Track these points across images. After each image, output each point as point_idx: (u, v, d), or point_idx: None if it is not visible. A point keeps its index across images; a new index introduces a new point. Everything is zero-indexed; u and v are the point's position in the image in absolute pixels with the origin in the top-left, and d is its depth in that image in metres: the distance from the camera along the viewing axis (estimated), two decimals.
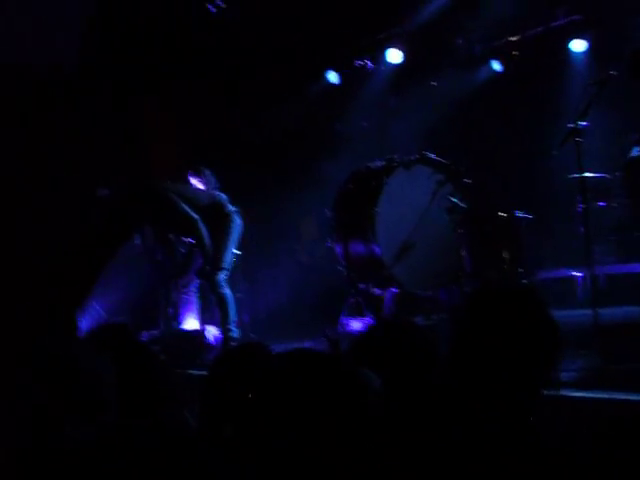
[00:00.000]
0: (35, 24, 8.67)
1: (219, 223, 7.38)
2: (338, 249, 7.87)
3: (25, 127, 9.25)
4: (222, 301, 7.34)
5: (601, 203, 8.57)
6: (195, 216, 7.19)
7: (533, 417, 2.16)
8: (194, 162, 8.44)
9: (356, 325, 7.07)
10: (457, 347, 2.25)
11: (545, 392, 2.19)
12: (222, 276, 7.36)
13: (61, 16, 8.77)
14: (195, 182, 8.05)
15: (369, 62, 10.50)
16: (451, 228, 7.17)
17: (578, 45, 9.36)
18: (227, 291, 7.39)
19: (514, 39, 9.87)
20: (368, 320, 7.09)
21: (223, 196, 7.68)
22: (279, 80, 10.64)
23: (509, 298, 2.25)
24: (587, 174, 8.12)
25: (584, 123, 6.19)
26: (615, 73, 5.86)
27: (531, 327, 2.18)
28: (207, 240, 7.22)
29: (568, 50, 9.47)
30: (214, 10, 9.37)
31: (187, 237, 7.75)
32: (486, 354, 2.16)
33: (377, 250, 7.49)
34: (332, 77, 10.83)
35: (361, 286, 7.78)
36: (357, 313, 7.32)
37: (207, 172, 8.09)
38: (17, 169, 9.29)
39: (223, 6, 9.36)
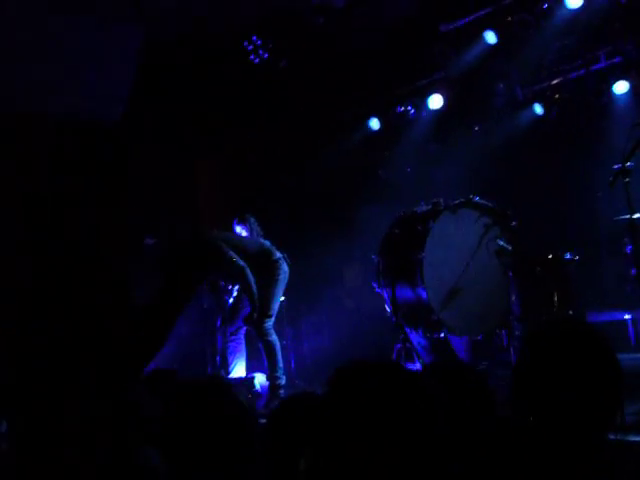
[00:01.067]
0: (83, 79, 8.89)
1: (266, 270, 7.41)
2: (385, 294, 7.85)
3: (74, 177, 9.43)
4: (269, 348, 7.35)
5: None
6: (242, 263, 7.23)
7: (600, 461, 2.12)
8: (239, 210, 8.53)
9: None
10: (521, 389, 2.22)
11: (611, 436, 2.15)
12: (269, 323, 7.38)
13: (108, 72, 8.99)
14: (240, 230, 8.12)
15: (411, 108, 10.58)
16: (499, 271, 7.13)
17: (621, 87, 9.35)
18: (274, 338, 7.40)
19: (556, 82, 9.91)
20: (418, 366, 7.03)
21: (269, 243, 7.73)
22: (323, 127, 10.78)
23: (573, 337, 2.21)
24: (636, 215, 8.11)
25: (631, 164, 6.18)
26: None
27: (595, 368, 2.14)
28: (254, 287, 7.25)
29: (611, 92, 9.47)
30: (257, 61, 9.53)
31: (235, 284, 7.80)
32: (551, 396, 2.13)
33: (425, 295, 7.46)
34: (374, 124, 10.94)
35: (410, 331, 7.74)
36: (407, 358, 7.27)
37: (252, 220, 8.16)
38: (64, 220, 9.46)
39: (266, 57, 9.52)
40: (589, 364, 2.14)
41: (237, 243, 7.53)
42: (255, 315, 7.28)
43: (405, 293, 7.64)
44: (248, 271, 7.22)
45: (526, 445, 2.16)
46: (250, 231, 8.11)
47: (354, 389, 1.85)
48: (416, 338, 7.75)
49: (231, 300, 7.96)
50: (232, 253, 7.25)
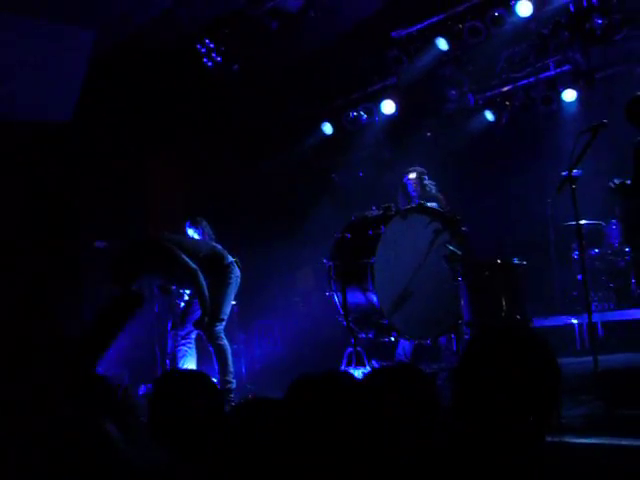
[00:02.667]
0: (34, 80, 8.77)
1: (218, 274, 7.36)
2: (336, 298, 7.87)
3: (25, 181, 9.32)
4: (220, 352, 7.28)
5: (595, 250, 8.65)
6: (194, 267, 7.17)
7: (536, 463, 2.16)
8: (192, 213, 8.49)
9: (357, 374, 7.03)
10: (461, 393, 2.25)
11: (549, 438, 2.19)
12: (220, 327, 7.32)
13: (59, 74, 8.88)
14: (192, 233, 8.07)
15: (363, 113, 10.64)
16: (449, 276, 7.19)
17: (569, 95, 9.53)
18: (225, 342, 7.33)
19: (506, 89, 10.05)
20: (369, 369, 7.05)
21: (221, 247, 7.69)
22: (277, 131, 10.79)
23: (513, 342, 2.25)
24: (582, 221, 8.24)
25: (578, 171, 6.29)
26: (607, 122, 5.97)
27: (533, 371, 2.18)
28: (206, 291, 7.19)
29: (560, 100, 9.64)
30: (211, 64, 9.50)
31: (187, 288, 7.74)
32: (489, 399, 2.16)
33: (375, 299, 7.49)
34: (327, 128, 10.98)
35: (361, 335, 7.77)
36: (357, 362, 7.28)
37: (204, 222, 8.11)
38: (16, 222, 9.35)
39: (219, 61, 9.49)
40: (527, 368, 2.17)
41: (189, 246, 7.47)
42: (206, 319, 7.22)
43: (356, 297, 7.66)
44: (200, 275, 7.16)
45: (465, 447, 2.19)
46: (202, 234, 8.06)
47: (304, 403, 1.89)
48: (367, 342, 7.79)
49: (182, 304, 7.90)
50: (184, 256, 7.19)
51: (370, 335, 7.79)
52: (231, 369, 7.36)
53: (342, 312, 7.64)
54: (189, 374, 3.49)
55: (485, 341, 2.33)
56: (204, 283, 7.12)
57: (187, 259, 7.11)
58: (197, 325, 7.35)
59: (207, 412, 2.81)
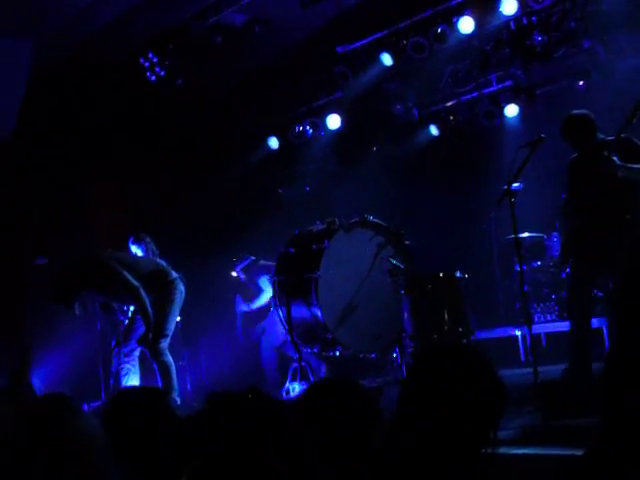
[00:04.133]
0: None
1: (162, 290, 7.29)
2: (281, 313, 7.85)
3: None
4: (164, 369, 7.20)
5: (537, 263, 8.77)
6: (136, 284, 7.10)
7: (475, 475, 2.17)
8: (136, 229, 8.41)
9: (298, 389, 7.02)
10: (403, 407, 2.26)
11: (485, 451, 2.20)
12: (164, 344, 7.24)
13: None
14: (136, 249, 7.99)
15: (309, 128, 10.67)
16: (392, 290, 7.22)
17: (511, 110, 9.67)
18: (169, 359, 7.26)
19: (450, 104, 10.17)
20: (307, 385, 7.03)
21: (165, 263, 7.63)
22: (222, 146, 10.75)
23: (455, 358, 2.26)
24: (523, 234, 8.36)
25: (518, 185, 6.37)
26: (545, 136, 6.06)
27: (476, 387, 2.19)
28: (149, 307, 7.12)
29: (502, 115, 9.77)
30: (154, 78, 9.43)
31: (129, 305, 7.65)
32: (431, 413, 2.17)
33: (319, 313, 7.50)
34: (273, 143, 10.98)
35: (306, 349, 7.75)
36: (302, 377, 7.26)
37: (147, 239, 8.04)
38: None
39: (163, 75, 9.43)
40: (469, 384, 2.18)
41: (131, 263, 7.41)
42: (150, 336, 7.15)
43: (300, 312, 7.65)
44: (142, 291, 7.10)
45: (406, 460, 2.19)
46: (146, 250, 7.99)
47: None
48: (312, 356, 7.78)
49: (126, 321, 7.81)
50: (125, 273, 7.12)
51: (315, 349, 7.79)
52: (175, 386, 7.30)
53: (287, 327, 7.62)
54: (145, 391, 3.41)
55: (430, 357, 2.34)
56: (146, 299, 7.05)
57: (128, 276, 7.04)
58: (141, 342, 7.28)
59: (164, 428, 2.76)
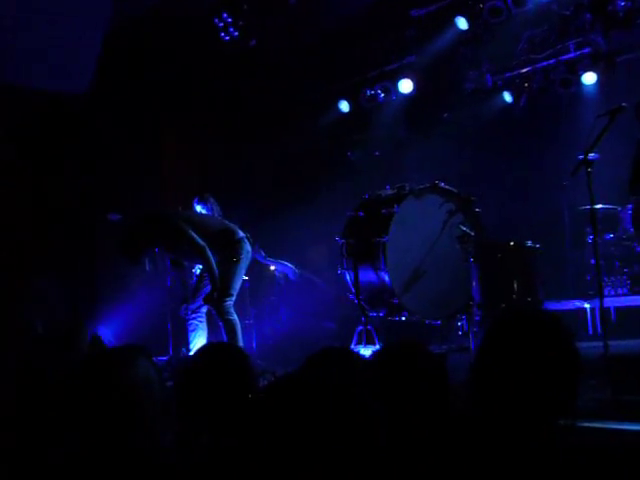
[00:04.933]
0: (51, 50, 8.76)
1: (228, 249, 7.34)
2: (348, 276, 7.87)
3: (40, 152, 9.36)
4: (229, 327, 7.27)
5: (609, 235, 8.60)
6: (202, 243, 7.16)
7: (550, 447, 2.15)
8: (203, 188, 8.50)
9: (367, 353, 7.05)
10: (479, 373, 2.24)
11: (563, 422, 2.18)
12: (229, 302, 7.30)
13: (76, 45, 8.87)
14: (200, 209, 8.08)
15: (381, 92, 10.57)
16: (461, 257, 7.17)
17: (589, 78, 9.42)
18: (234, 317, 7.32)
19: (525, 71, 9.96)
20: (379, 348, 7.06)
21: (232, 223, 7.68)
22: (293, 108, 10.74)
23: (533, 325, 2.23)
24: (597, 206, 8.18)
25: (594, 155, 6.23)
26: (626, 105, 5.90)
27: (552, 355, 2.17)
28: (215, 266, 7.19)
29: (580, 82, 9.54)
30: (228, 39, 9.46)
31: (195, 263, 7.75)
32: (507, 381, 2.15)
33: (387, 278, 7.50)
34: (344, 106, 10.92)
35: (372, 314, 7.77)
36: (368, 341, 7.29)
37: (212, 199, 8.12)
38: (30, 192, 9.39)
39: (236, 36, 9.45)
40: (547, 352, 2.16)
41: (199, 221, 7.47)
42: (215, 294, 7.23)
43: (367, 276, 7.67)
44: (208, 250, 7.14)
45: (480, 431, 2.18)
46: (210, 210, 8.08)
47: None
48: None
49: (194, 278, 7.93)
50: (192, 232, 7.17)
51: (381, 314, 7.80)
52: (240, 344, 7.38)
53: (354, 290, 7.65)
54: (225, 347, 3.45)
55: (505, 323, 2.31)
56: (212, 259, 7.11)
57: (194, 235, 7.10)
58: (206, 300, 7.37)
59: (239, 386, 2.79)
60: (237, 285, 7.34)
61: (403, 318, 7.68)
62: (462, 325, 7.44)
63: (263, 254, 9.15)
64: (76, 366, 2.46)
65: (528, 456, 2.09)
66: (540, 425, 2.14)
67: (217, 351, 2.95)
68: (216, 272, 7.12)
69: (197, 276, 7.81)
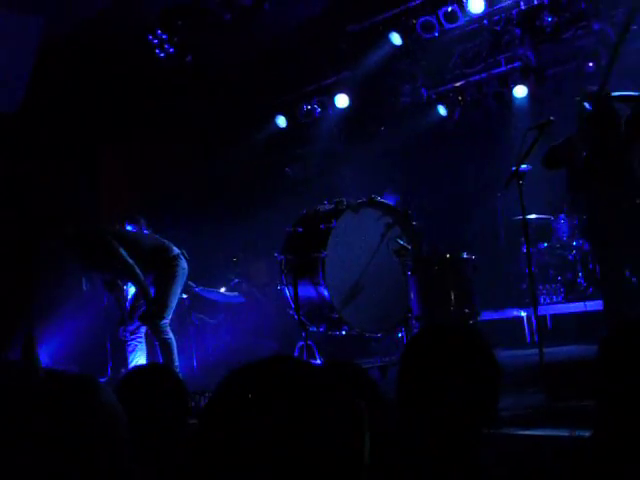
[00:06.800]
0: None
1: (163, 266, 7.24)
2: (288, 292, 7.87)
3: None
4: (165, 347, 7.12)
5: (543, 244, 8.79)
6: (131, 261, 7.03)
7: (476, 455, 2.19)
8: (142, 205, 8.44)
9: None
10: (402, 387, 2.28)
11: (487, 430, 2.23)
12: (165, 321, 7.16)
13: (6, 61, 8.75)
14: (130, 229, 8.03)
15: (317, 107, 10.65)
16: (399, 270, 7.24)
17: (520, 91, 9.63)
18: (170, 336, 7.16)
19: (459, 84, 10.13)
20: (319, 363, 7.07)
21: (166, 240, 7.56)
22: (230, 124, 10.73)
23: (451, 338, 2.29)
24: (531, 216, 8.36)
25: (526, 166, 6.37)
26: (553, 119, 6.05)
27: (473, 367, 2.22)
28: (145, 285, 7.09)
29: (511, 95, 9.74)
30: (163, 55, 9.41)
31: (127, 281, 7.62)
32: (429, 394, 2.20)
33: (326, 293, 7.52)
34: (281, 121, 10.97)
35: (312, 328, 7.78)
36: (309, 356, 7.29)
37: (142, 220, 8.07)
38: None
39: (172, 52, 9.41)
40: (467, 364, 2.21)
41: (131, 239, 7.35)
42: (149, 312, 7.13)
43: (307, 291, 7.68)
44: (136, 269, 7.03)
45: (407, 442, 2.21)
46: (141, 230, 8.03)
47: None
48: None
49: (129, 298, 7.83)
50: (122, 250, 7.06)
51: (321, 329, 7.82)
52: (176, 363, 7.27)
53: (293, 305, 7.65)
54: (155, 368, 3.43)
55: (425, 336, 2.38)
56: (141, 276, 7.01)
57: (124, 253, 6.99)
58: (141, 319, 7.27)
59: (174, 407, 2.77)
60: (173, 303, 7.22)
61: (343, 332, 7.72)
62: (402, 337, 7.50)
63: (194, 285, 9.17)
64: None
65: (453, 467, 2.13)
66: (463, 435, 2.18)
67: (147, 373, 2.93)
68: (149, 290, 7.04)
69: (133, 296, 7.71)
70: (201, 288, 9.40)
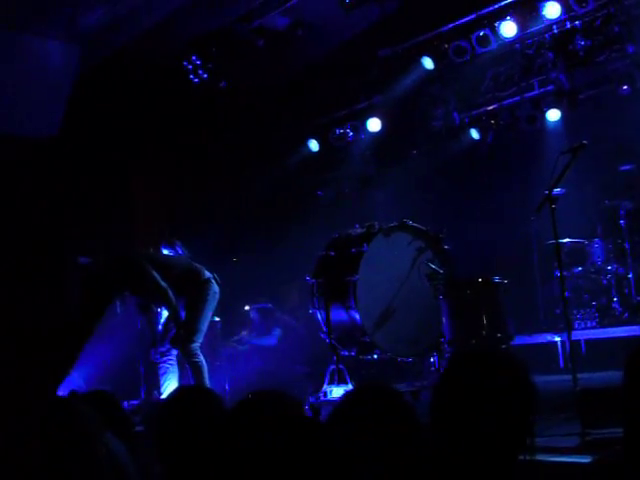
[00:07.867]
0: (20, 95, 8.78)
1: (195, 290, 7.30)
2: (319, 316, 7.87)
3: (8, 196, 9.31)
4: (196, 370, 7.16)
5: (577, 269, 8.69)
6: (164, 284, 7.10)
7: None
8: (168, 233, 8.52)
9: (338, 393, 7.02)
10: (436, 413, 2.27)
11: (521, 457, 2.20)
12: (196, 345, 7.21)
13: (45, 87, 8.91)
14: (167, 253, 8.08)
15: (350, 131, 10.70)
16: (431, 294, 7.21)
17: (553, 114, 9.60)
18: (201, 359, 7.21)
19: (491, 108, 10.12)
20: (350, 387, 7.04)
21: (198, 264, 7.61)
22: (262, 148, 10.82)
23: (486, 363, 2.27)
24: (564, 240, 8.30)
25: (559, 190, 6.33)
26: (586, 142, 6.01)
27: (507, 392, 2.20)
28: (177, 308, 7.14)
29: (544, 119, 9.70)
30: (197, 81, 9.54)
31: (159, 305, 7.68)
32: (464, 420, 2.18)
33: (358, 317, 7.51)
34: (313, 145, 11.02)
35: (343, 352, 7.76)
36: (340, 380, 7.27)
37: (178, 243, 8.12)
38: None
39: (206, 78, 9.54)
40: (500, 389, 2.19)
41: (164, 263, 7.42)
42: (179, 335, 7.17)
43: (339, 315, 7.67)
44: (169, 292, 7.10)
45: (442, 468, 2.20)
46: (177, 254, 8.08)
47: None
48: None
49: (162, 321, 7.88)
50: (155, 274, 7.13)
51: (352, 353, 7.79)
52: (207, 387, 7.29)
53: (325, 329, 7.65)
54: (198, 390, 3.44)
55: (460, 363, 2.35)
56: (173, 300, 7.07)
57: (157, 276, 7.06)
58: (172, 342, 7.31)
59: (211, 429, 2.78)
60: (204, 327, 7.26)
61: (375, 356, 7.68)
62: (434, 362, 7.45)
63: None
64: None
65: None
66: (499, 462, 2.17)
67: (189, 395, 2.94)
68: (180, 314, 7.10)
69: (166, 318, 7.76)
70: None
